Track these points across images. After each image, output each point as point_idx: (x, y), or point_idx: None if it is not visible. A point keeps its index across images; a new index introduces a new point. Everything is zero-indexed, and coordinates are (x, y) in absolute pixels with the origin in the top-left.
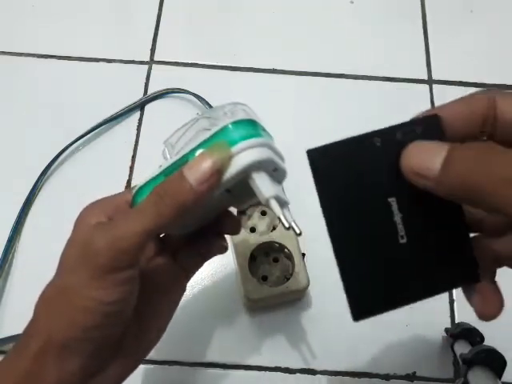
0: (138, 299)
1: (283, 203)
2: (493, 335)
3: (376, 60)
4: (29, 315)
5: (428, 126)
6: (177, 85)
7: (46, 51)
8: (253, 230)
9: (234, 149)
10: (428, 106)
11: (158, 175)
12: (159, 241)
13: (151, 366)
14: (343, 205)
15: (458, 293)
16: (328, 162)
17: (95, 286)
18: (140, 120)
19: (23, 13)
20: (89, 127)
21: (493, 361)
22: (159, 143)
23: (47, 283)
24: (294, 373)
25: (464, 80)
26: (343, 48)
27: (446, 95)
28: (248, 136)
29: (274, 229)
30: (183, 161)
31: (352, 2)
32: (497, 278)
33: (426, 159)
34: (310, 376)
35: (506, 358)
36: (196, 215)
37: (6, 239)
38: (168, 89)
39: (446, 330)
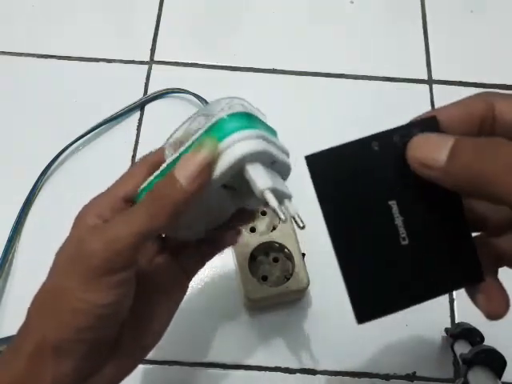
0: (136, 300)
1: (282, 195)
2: (493, 335)
3: (376, 60)
4: None
5: (426, 129)
6: (177, 85)
7: (46, 51)
8: (253, 229)
9: (226, 141)
10: (428, 106)
11: (157, 175)
12: (160, 240)
13: (151, 366)
14: (343, 209)
15: (457, 293)
16: (326, 168)
17: (88, 288)
18: (140, 120)
19: (23, 13)
20: (89, 127)
21: (493, 361)
22: (159, 143)
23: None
24: (294, 373)
25: (464, 80)
26: (343, 48)
27: (446, 95)
28: (241, 128)
29: (274, 229)
30: (179, 159)
31: (352, 2)
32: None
33: (432, 150)
34: (310, 376)
35: (506, 358)
36: (198, 216)
37: (6, 239)
38: (168, 89)
39: (446, 329)
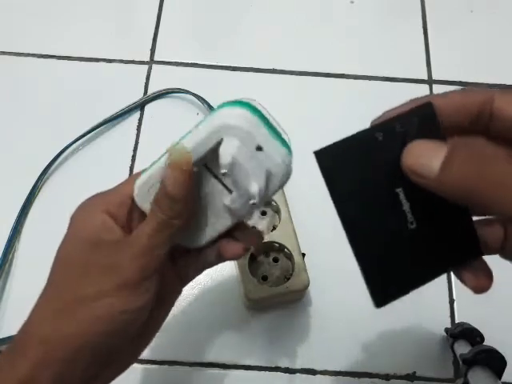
0: None
1: (247, 186)
2: (493, 335)
3: (376, 60)
4: None
5: (424, 116)
6: (177, 85)
7: (46, 51)
8: None
9: (212, 114)
10: None
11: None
12: None
13: (151, 366)
14: (354, 199)
15: (457, 293)
16: (335, 161)
17: (119, 295)
18: (140, 120)
19: (23, 13)
20: (89, 127)
21: (493, 361)
22: (159, 143)
23: (47, 283)
24: (294, 373)
25: (464, 80)
26: (343, 48)
27: None
28: (231, 105)
29: (274, 229)
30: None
31: (352, 2)
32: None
33: (425, 160)
34: (310, 376)
35: (506, 358)
36: (197, 217)
37: (6, 239)
38: (168, 89)
39: (446, 329)
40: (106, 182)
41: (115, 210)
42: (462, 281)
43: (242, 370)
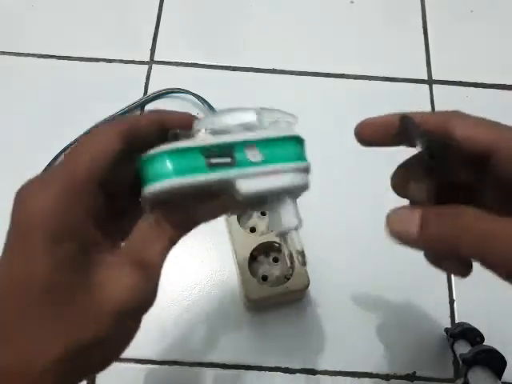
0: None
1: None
2: (493, 335)
3: (376, 60)
4: None
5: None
6: (177, 85)
7: (46, 51)
8: (253, 230)
9: (279, 166)
10: (428, 106)
11: (191, 148)
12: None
13: (151, 366)
14: None
15: (457, 293)
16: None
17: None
18: None
19: (23, 13)
20: (89, 127)
21: (493, 361)
22: None
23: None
24: (294, 373)
25: (464, 80)
26: (343, 48)
27: (446, 95)
28: (295, 159)
29: None
30: (227, 147)
31: (352, 2)
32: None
33: (404, 226)
34: (310, 376)
35: (506, 358)
36: None
37: None
38: (168, 89)
39: (446, 329)
40: None
41: (68, 193)
42: (442, 268)
43: (242, 370)
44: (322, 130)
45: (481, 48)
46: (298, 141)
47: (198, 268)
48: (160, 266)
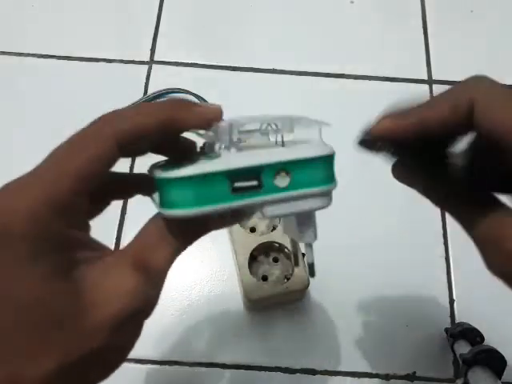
0: None
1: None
2: (493, 335)
3: (376, 60)
4: None
5: None
6: (177, 85)
7: (46, 51)
8: (253, 230)
9: (308, 190)
10: None
11: (216, 173)
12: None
13: (151, 366)
14: None
15: (457, 293)
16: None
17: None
18: None
19: (23, 13)
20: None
21: (493, 361)
22: None
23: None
24: (294, 373)
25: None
26: (343, 48)
27: None
28: (323, 183)
29: (274, 229)
30: (256, 170)
31: (352, 2)
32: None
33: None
34: (310, 376)
35: (506, 358)
36: None
37: None
38: (168, 89)
39: (446, 329)
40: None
41: (45, 212)
42: None
43: (242, 370)
44: (322, 130)
45: (481, 48)
46: (329, 160)
47: (198, 268)
48: (165, 272)
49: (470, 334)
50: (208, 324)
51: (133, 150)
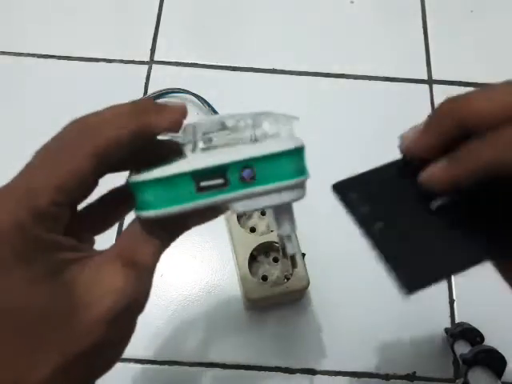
0: None
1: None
2: (493, 335)
3: (376, 60)
4: None
5: None
6: (177, 85)
7: (46, 51)
8: (253, 229)
9: (279, 184)
10: (428, 106)
11: (180, 174)
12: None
13: (151, 366)
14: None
15: (457, 293)
16: (354, 193)
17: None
18: None
19: (23, 13)
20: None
21: (493, 361)
22: None
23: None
24: (294, 373)
25: (464, 80)
26: (343, 48)
27: (445, 95)
28: (297, 175)
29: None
30: (221, 169)
31: (352, 2)
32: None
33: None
34: (310, 376)
35: (506, 358)
36: None
37: None
38: (168, 89)
39: (446, 329)
40: (106, 183)
41: (27, 219)
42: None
43: (242, 370)
44: (322, 130)
45: (481, 48)
46: (296, 153)
47: (198, 268)
48: (152, 267)
49: (470, 334)
50: (208, 324)
51: (112, 164)
